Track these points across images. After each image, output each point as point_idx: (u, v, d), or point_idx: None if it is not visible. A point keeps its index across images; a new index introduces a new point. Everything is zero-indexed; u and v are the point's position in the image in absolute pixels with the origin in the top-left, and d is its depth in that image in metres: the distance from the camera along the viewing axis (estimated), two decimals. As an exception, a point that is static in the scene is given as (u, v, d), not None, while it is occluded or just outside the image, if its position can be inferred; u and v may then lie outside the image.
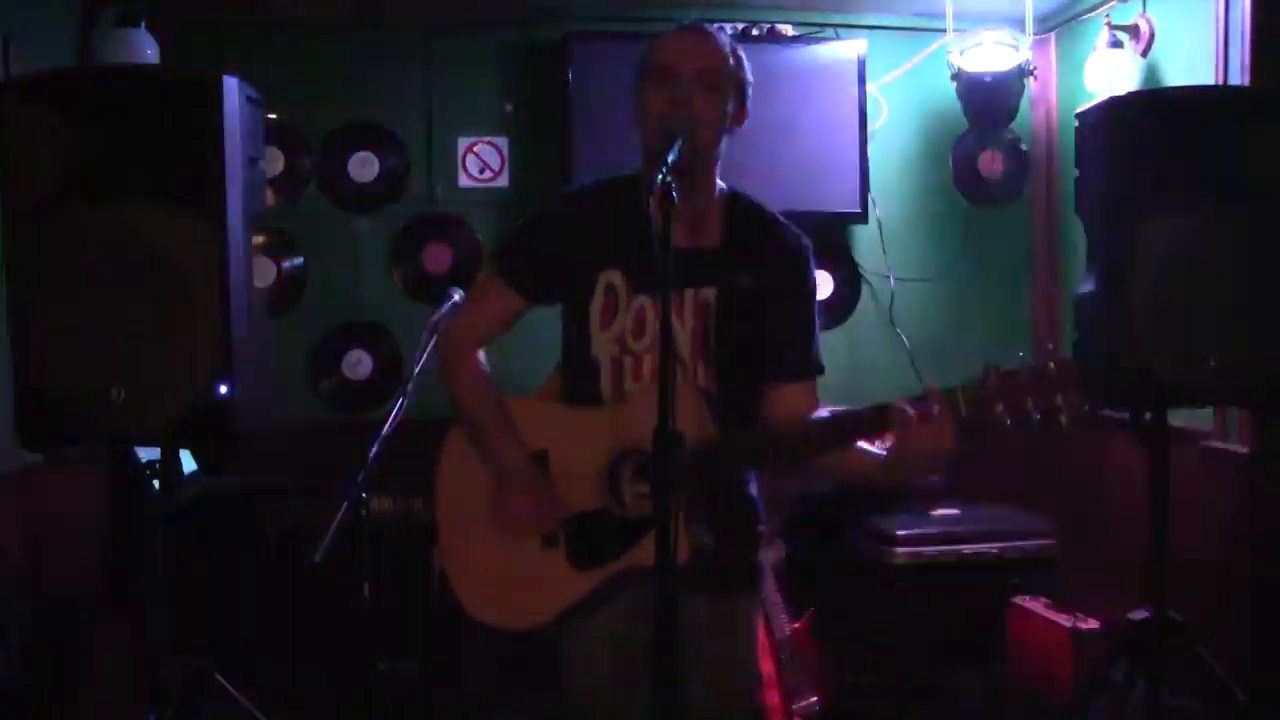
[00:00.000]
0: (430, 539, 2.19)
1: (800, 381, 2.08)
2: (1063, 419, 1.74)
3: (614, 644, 2.08)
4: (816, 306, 2.13)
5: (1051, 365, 1.76)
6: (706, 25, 2.02)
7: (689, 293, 2.01)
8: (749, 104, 2.03)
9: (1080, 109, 2.84)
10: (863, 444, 1.91)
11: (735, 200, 2.09)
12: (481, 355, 2.16)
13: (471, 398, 2.11)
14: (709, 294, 2.02)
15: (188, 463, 3.45)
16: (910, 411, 1.78)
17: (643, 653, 1.97)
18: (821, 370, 2.11)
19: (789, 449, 1.95)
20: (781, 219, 2.12)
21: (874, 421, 1.84)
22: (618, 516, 1.99)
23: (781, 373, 2.08)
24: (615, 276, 2.04)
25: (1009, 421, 1.77)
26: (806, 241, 2.11)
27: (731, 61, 1.98)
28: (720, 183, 2.09)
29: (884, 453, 1.89)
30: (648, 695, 1.83)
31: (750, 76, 2.03)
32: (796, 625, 3.46)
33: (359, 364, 4.04)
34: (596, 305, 2.05)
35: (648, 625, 1.99)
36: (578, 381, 2.10)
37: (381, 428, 2.86)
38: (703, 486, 1.90)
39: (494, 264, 2.17)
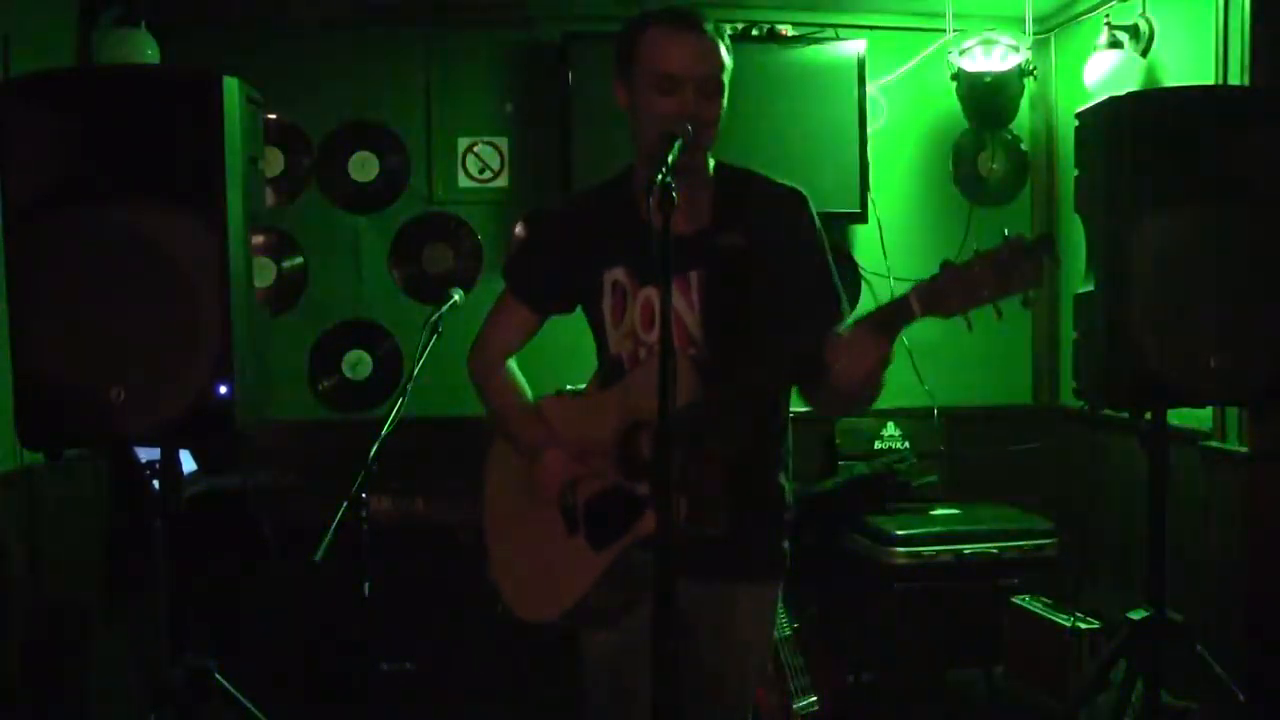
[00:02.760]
0: (430, 539, 2.21)
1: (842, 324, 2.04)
2: (1022, 298, 1.72)
3: (622, 658, 2.10)
4: (827, 251, 2.09)
5: (1004, 252, 1.70)
6: (695, 16, 1.99)
7: (693, 275, 2.04)
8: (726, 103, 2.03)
9: (1080, 109, 2.84)
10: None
11: (722, 173, 2.10)
12: (512, 363, 2.24)
13: (498, 401, 2.21)
14: (702, 273, 2.04)
15: (188, 463, 3.45)
16: (839, 336, 1.79)
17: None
18: (849, 313, 2.05)
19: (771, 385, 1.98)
20: (768, 177, 2.11)
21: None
22: (628, 488, 2.00)
23: (822, 323, 1.96)
24: (620, 273, 2.09)
25: (968, 315, 1.75)
26: (798, 192, 2.09)
27: (726, 60, 2.00)
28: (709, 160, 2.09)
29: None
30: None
31: (731, 62, 2.02)
32: (796, 625, 3.46)
33: (359, 364, 4.04)
34: (607, 304, 2.11)
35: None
36: (606, 378, 2.17)
37: (381, 428, 2.87)
38: (709, 455, 1.89)
39: (506, 283, 2.25)
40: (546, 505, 2.09)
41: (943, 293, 1.75)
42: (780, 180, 2.11)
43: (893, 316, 1.80)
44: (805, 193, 2.11)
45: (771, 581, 2.21)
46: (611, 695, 2.16)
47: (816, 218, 2.10)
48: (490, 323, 2.26)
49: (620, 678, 2.12)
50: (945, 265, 1.76)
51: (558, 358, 2.75)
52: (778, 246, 2.06)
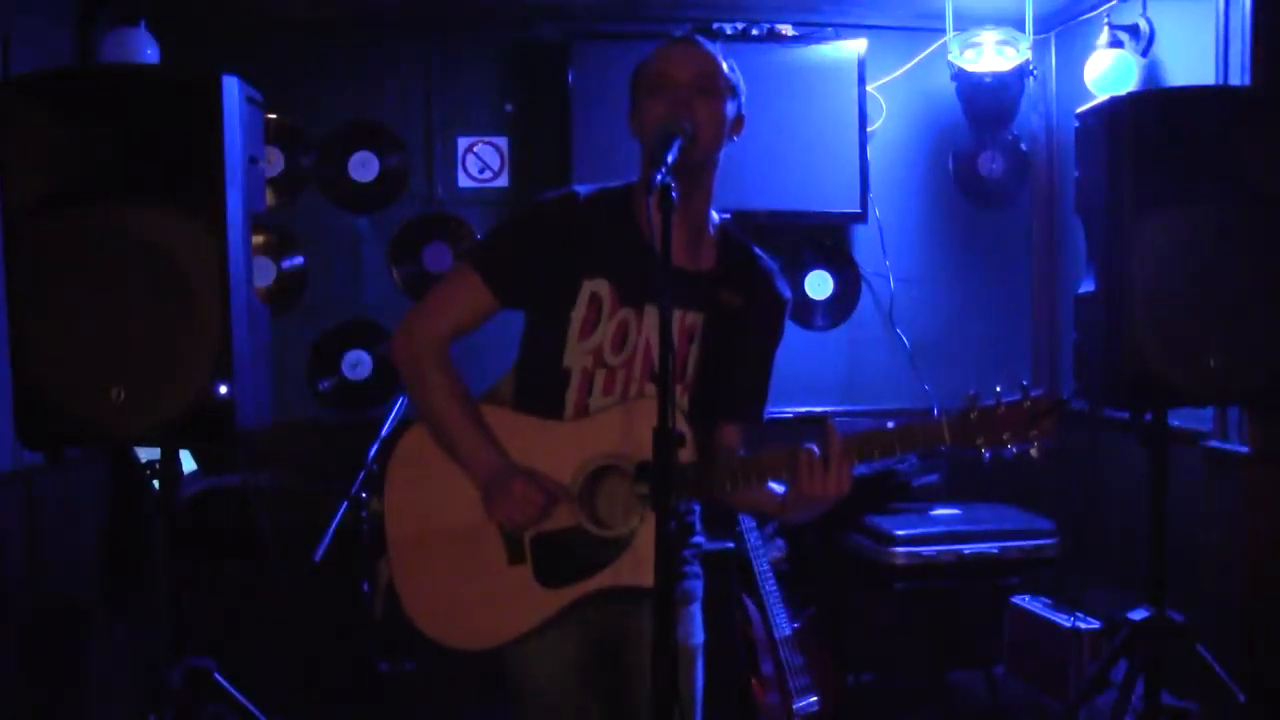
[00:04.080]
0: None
1: (743, 424, 2.10)
2: (1033, 451, 1.87)
3: (563, 671, 2.03)
4: (775, 359, 2.14)
5: (1028, 402, 1.84)
6: (697, 36, 2.01)
7: (677, 314, 1.96)
8: (744, 112, 2.02)
9: (1080, 109, 2.84)
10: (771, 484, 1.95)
11: (729, 233, 2.09)
12: (448, 357, 2.04)
13: (445, 403, 1.98)
14: (697, 319, 1.99)
15: (188, 463, 3.45)
16: (816, 454, 1.83)
17: (591, 677, 2.03)
18: (761, 422, 2.12)
19: (715, 482, 1.93)
20: (770, 262, 2.12)
21: (785, 462, 1.87)
22: (592, 535, 1.93)
23: (734, 413, 2.08)
24: (602, 286, 1.97)
25: (986, 453, 1.86)
26: (789, 294, 2.13)
27: (725, 69, 1.97)
28: (715, 215, 2.07)
29: (782, 490, 1.93)
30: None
31: (743, 85, 2.02)
32: (796, 625, 3.46)
33: (359, 364, 4.04)
34: (578, 314, 1.96)
35: (594, 651, 2.02)
36: (538, 389, 2.01)
37: (381, 428, 2.87)
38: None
39: (471, 260, 2.02)
40: (480, 526, 1.95)
41: (974, 429, 1.85)
42: (778, 272, 2.12)
43: (922, 437, 1.87)
44: (791, 298, 2.13)
45: (686, 603, 2.08)
46: (559, 709, 2.05)
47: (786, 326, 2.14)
48: (439, 301, 2.03)
49: (560, 696, 2.04)
50: (971, 402, 1.86)
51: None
52: (759, 330, 2.07)
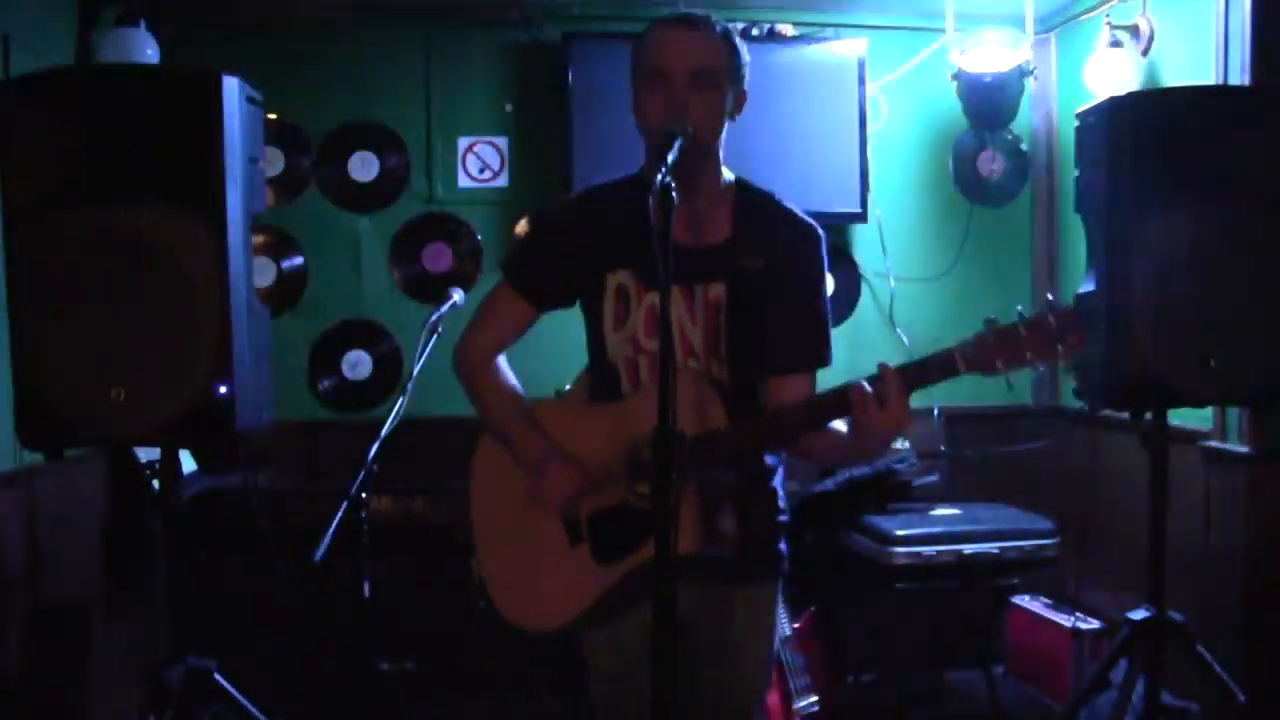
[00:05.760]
0: (430, 539, 2.19)
1: (804, 373, 2.08)
2: (1062, 364, 1.81)
3: (623, 658, 2.09)
4: (827, 296, 2.12)
5: (1050, 318, 1.78)
6: (695, 16, 1.99)
7: (699, 289, 2.01)
8: (746, 87, 2.03)
9: (1080, 109, 2.84)
10: (834, 424, 1.96)
11: (743, 190, 2.09)
12: (503, 360, 2.17)
13: (494, 403, 2.13)
14: (719, 290, 2.02)
15: (188, 463, 3.45)
16: (869, 390, 1.82)
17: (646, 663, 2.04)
18: (828, 362, 2.11)
19: (766, 436, 1.99)
20: (791, 206, 2.11)
21: (837, 404, 1.88)
22: (636, 509, 1.98)
23: (787, 362, 2.07)
24: (625, 277, 2.05)
25: (1010, 373, 1.80)
26: (817, 229, 2.10)
27: (724, 53, 1.97)
28: (727, 174, 2.08)
29: (846, 431, 1.95)
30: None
31: (746, 57, 2.02)
32: (796, 625, 3.46)
33: (359, 364, 4.04)
34: (608, 307, 2.06)
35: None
36: (600, 383, 2.12)
37: (381, 428, 2.87)
38: (717, 474, 1.93)
39: (504, 272, 2.19)
40: (545, 515, 2.05)
41: (991, 352, 1.79)
42: (800, 213, 2.11)
43: (935, 371, 1.84)
44: (822, 233, 2.11)
45: (767, 582, 2.18)
46: (622, 702, 2.13)
47: (826, 259, 2.12)
48: (483, 315, 2.19)
49: (628, 684, 2.09)
50: (990, 324, 1.81)
51: (548, 355, 2.74)
52: (790, 281, 2.05)
